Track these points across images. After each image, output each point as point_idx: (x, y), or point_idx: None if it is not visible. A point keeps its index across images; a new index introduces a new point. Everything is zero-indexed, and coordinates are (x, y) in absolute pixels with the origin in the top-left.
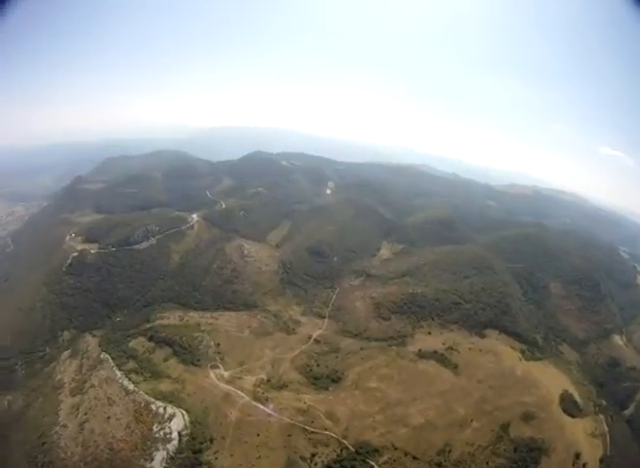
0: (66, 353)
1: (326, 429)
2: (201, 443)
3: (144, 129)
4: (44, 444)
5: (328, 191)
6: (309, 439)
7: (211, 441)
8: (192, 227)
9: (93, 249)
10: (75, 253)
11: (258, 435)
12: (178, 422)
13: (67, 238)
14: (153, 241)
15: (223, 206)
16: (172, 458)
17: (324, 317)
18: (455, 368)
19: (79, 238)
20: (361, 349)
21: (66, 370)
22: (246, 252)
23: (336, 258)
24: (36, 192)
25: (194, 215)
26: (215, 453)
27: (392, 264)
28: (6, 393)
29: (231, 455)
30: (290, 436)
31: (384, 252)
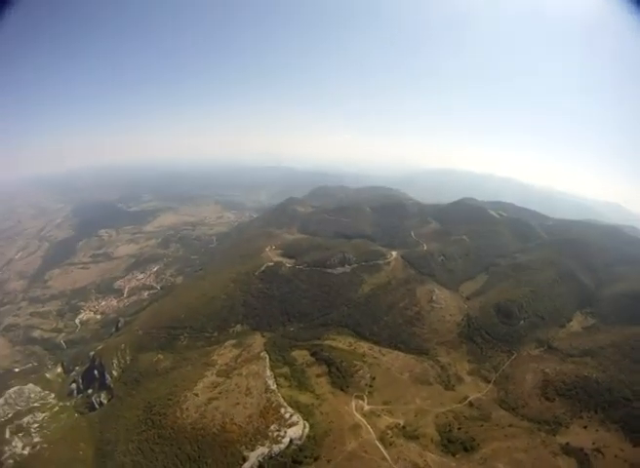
0: (231, 341)
1: None
2: (306, 457)
3: (361, 162)
4: (169, 399)
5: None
6: None
7: (315, 459)
8: (389, 264)
9: (288, 263)
10: (271, 263)
11: None
12: (295, 431)
13: (268, 248)
14: (348, 269)
15: (425, 248)
16: (270, 458)
17: (489, 381)
18: None
19: (278, 251)
20: (509, 425)
21: (225, 354)
22: (435, 297)
23: (522, 322)
24: (249, 205)
25: (394, 253)
26: None
27: (578, 340)
28: (160, 352)
29: None
30: None
31: (575, 324)
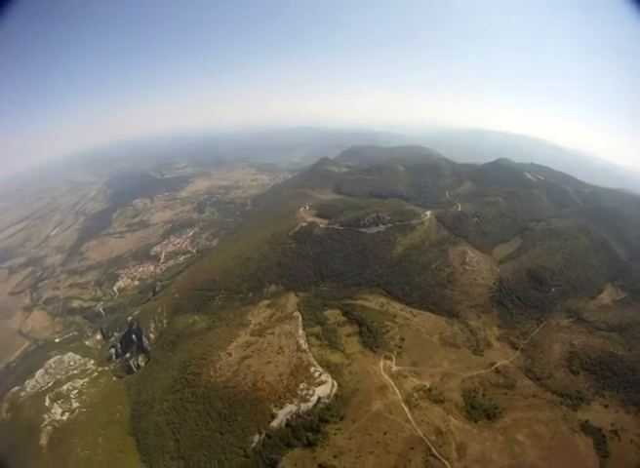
0: (265, 302)
1: (447, 459)
2: (332, 415)
3: (393, 122)
4: (203, 359)
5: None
6: (427, 460)
7: (341, 418)
8: (423, 224)
9: (322, 223)
10: (304, 224)
11: (385, 433)
12: (324, 390)
13: (302, 209)
14: (382, 228)
15: (459, 208)
16: (298, 415)
17: (517, 348)
18: (605, 456)
19: (312, 211)
20: (533, 396)
21: (259, 314)
22: (467, 259)
23: (553, 290)
24: (283, 166)
25: (428, 213)
26: (337, 429)
27: (607, 313)
28: (196, 314)
29: (349, 438)
30: (412, 449)
31: (605, 296)
